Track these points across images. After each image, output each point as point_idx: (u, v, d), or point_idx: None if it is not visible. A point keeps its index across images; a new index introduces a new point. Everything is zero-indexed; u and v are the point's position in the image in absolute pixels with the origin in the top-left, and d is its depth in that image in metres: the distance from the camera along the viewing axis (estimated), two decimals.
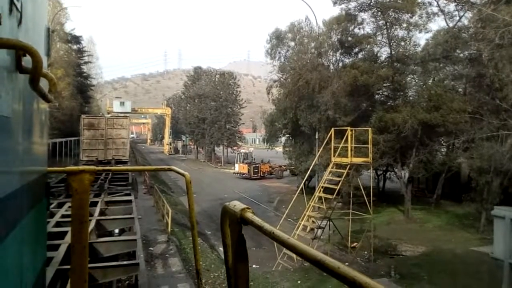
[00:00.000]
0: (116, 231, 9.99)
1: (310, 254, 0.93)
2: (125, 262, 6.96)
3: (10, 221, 1.37)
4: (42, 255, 2.38)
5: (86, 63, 53.37)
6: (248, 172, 44.26)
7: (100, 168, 2.45)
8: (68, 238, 6.78)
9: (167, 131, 78.45)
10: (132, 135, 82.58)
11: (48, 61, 2.06)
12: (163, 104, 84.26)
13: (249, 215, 1.31)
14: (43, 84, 1.56)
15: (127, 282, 9.83)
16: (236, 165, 46.95)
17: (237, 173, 45.94)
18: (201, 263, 2.88)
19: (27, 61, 1.38)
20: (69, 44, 43.25)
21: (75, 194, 2.26)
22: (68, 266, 5.48)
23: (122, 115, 37.58)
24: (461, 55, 23.97)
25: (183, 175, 2.65)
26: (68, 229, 7.33)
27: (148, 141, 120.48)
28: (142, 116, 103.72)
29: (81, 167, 2.35)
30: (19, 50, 1.31)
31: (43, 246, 2.43)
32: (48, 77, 1.71)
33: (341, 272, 0.79)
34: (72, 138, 32.95)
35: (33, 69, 1.31)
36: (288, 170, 42.44)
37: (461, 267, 15.23)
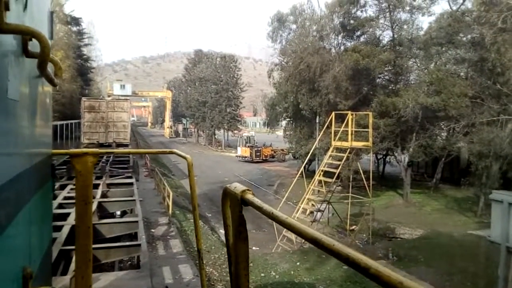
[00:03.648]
0: (118, 213, 10.13)
1: (307, 233, 0.98)
2: (127, 243, 7.08)
3: (20, 201, 1.42)
4: (49, 235, 2.44)
5: (86, 45, 52.87)
6: (250, 156, 44.48)
7: (103, 150, 2.50)
8: (70, 219, 6.89)
9: (167, 114, 78.26)
10: (132, 118, 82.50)
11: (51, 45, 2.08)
12: (163, 87, 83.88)
13: (249, 196, 1.36)
14: (49, 68, 1.59)
15: (129, 263, 10.01)
16: (238, 148, 47.10)
17: (239, 156, 46.18)
18: (202, 243, 2.96)
19: (32, 45, 1.41)
20: (69, 26, 42.80)
21: (79, 176, 2.32)
22: (71, 247, 5.59)
23: (123, 98, 37.41)
24: (464, 39, 23.76)
25: (185, 158, 2.69)
26: (71, 210, 7.44)
27: (149, 124, 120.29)
28: (143, 99, 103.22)
29: (84, 150, 2.39)
30: (27, 35, 1.34)
31: (49, 226, 2.50)
32: (54, 62, 1.75)
33: (335, 249, 0.84)
34: (73, 121, 32.91)
35: (41, 54, 1.34)
36: (290, 154, 42.55)
37: (458, 250, 15.43)
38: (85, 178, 2.34)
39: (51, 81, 1.65)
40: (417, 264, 14.15)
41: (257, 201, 1.30)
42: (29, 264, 1.53)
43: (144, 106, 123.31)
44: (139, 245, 6.57)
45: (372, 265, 0.73)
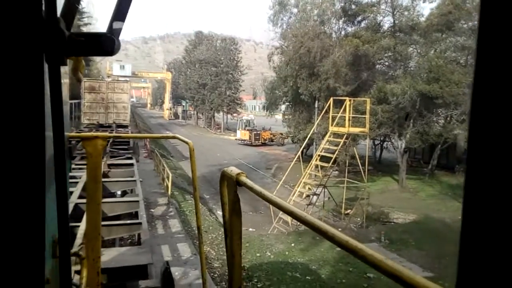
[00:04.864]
0: (119, 192, 10.40)
1: (286, 208, 1.24)
2: (129, 221, 7.36)
3: (50, 181, 1.66)
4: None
5: (85, 24, 52.36)
6: (249, 139, 44.75)
7: (112, 134, 2.73)
8: (73, 198, 7.14)
9: (167, 96, 78.08)
10: (132, 99, 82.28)
11: None
12: (163, 68, 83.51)
13: (243, 178, 1.61)
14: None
15: (129, 241, 10.34)
16: (238, 132, 47.36)
17: (239, 140, 46.45)
18: (201, 221, 3.23)
19: None
20: None
21: (90, 158, 2.57)
22: (76, 224, 5.87)
23: (122, 78, 37.36)
24: (465, 26, 23.78)
25: (187, 143, 2.92)
26: (73, 189, 7.69)
27: (148, 105, 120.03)
28: (142, 80, 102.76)
29: (95, 133, 2.63)
30: None
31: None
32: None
33: (306, 220, 1.09)
34: (73, 101, 33.00)
35: (75, 60, 1.57)
36: (289, 138, 42.76)
37: (449, 234, 15.82)
38: (95, 159, 2.59)
39: (78, 79, 1.87)
40: (408, 248, 14.56)
41: (249, 182, 1.55)
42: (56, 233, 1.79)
43: (144, 87, 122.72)
44: (140, 223, 6.85)
45: (334, 233, 0.97)
